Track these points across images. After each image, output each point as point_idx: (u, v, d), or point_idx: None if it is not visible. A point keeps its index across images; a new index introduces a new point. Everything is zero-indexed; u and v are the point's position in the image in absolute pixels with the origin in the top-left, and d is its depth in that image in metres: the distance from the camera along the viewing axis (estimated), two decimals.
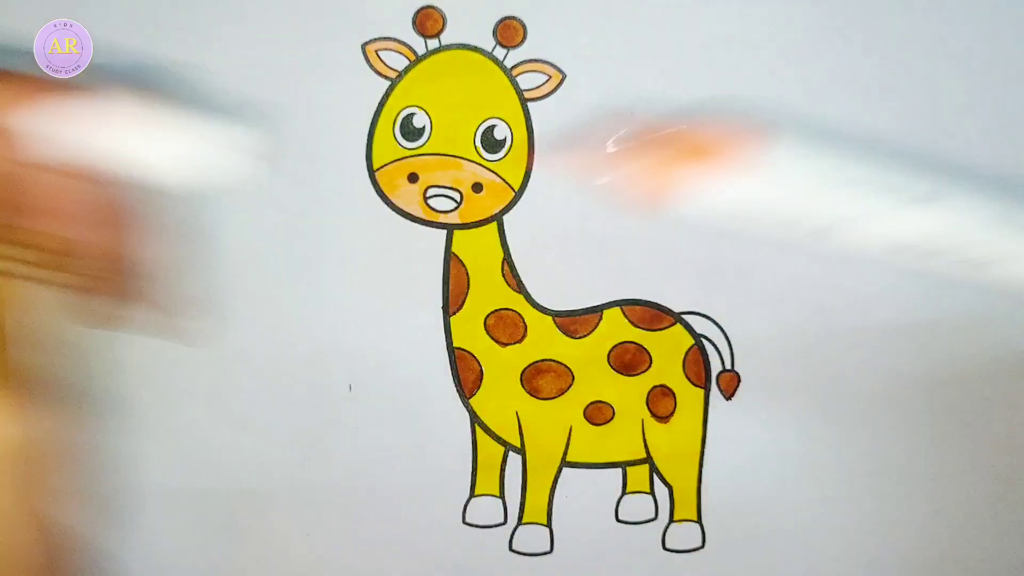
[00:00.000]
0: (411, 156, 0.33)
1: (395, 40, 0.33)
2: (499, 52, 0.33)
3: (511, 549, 0.35)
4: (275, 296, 0.33)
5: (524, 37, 0.33)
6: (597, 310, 0.34)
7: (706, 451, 0.34)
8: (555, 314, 0.34)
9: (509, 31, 0.33)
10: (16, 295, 0.34)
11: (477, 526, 0.34)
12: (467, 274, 0.33)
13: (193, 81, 0.32)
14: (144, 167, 0.32)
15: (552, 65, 0.33)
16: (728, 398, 0.34)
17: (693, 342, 0.34)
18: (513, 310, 0.33)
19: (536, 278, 0.33)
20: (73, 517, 0.34)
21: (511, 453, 0.34)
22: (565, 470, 0.34)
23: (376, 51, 0.33)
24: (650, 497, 0.35)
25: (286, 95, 0.33)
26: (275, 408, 0.34)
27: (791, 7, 0.33)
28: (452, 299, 0.33)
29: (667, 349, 0.34)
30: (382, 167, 0.33)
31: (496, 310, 0.33)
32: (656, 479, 0.35)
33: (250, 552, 0.34)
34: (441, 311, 0.33)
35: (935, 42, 0.33)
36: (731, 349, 0.34)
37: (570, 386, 0.34)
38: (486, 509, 0.34)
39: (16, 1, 0.32)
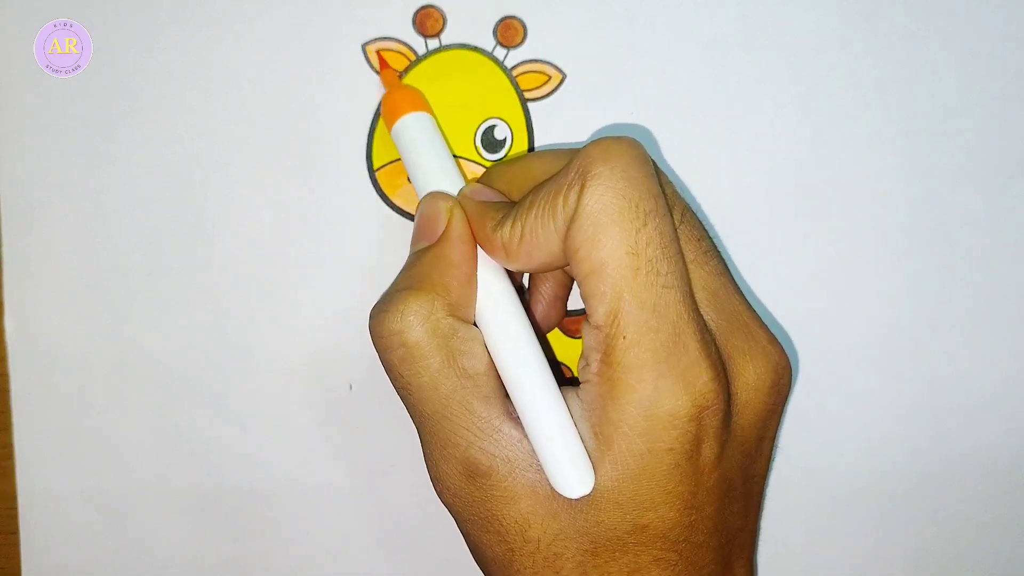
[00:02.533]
0: None
1: (395, 40, 0.33)
2: (499, 52, 0.33)
3: None
4: (275, 296, 0.33)
5: (524, 37, 0.33)
6: None
7: None
8: None
9: (509, 31, 0.33)
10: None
11: None
12: None
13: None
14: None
15: (552, 65, 0.33)
16: None
17: None
18: None
19: None
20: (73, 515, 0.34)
21: None
22: None
23: (376, 51, 0.33)
24: None
25: (286, 95, 0.33)
26: (275, 408, 0.34)
27: (792, 7, 0.33)
28: None
29: None
30: (382, 167, 0.33)
31: None
32: None
33: (251, 552, 0.34)
34: None
35: (935, 41, 0.33)
36: None
37: None
38: None
39: (16, 1, 0.32)
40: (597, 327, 0.24)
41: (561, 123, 0.33)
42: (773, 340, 0.27)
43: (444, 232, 0.27)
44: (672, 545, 0.25)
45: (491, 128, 0.33)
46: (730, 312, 0.26)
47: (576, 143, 0.33)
